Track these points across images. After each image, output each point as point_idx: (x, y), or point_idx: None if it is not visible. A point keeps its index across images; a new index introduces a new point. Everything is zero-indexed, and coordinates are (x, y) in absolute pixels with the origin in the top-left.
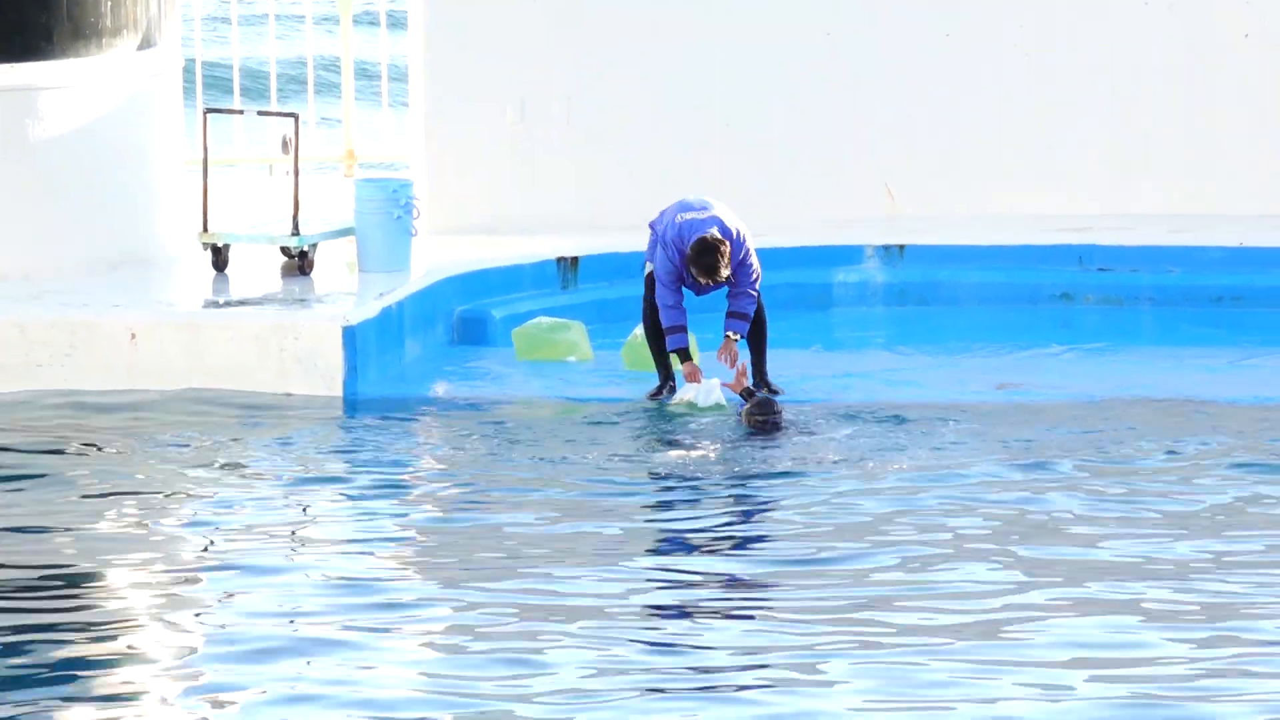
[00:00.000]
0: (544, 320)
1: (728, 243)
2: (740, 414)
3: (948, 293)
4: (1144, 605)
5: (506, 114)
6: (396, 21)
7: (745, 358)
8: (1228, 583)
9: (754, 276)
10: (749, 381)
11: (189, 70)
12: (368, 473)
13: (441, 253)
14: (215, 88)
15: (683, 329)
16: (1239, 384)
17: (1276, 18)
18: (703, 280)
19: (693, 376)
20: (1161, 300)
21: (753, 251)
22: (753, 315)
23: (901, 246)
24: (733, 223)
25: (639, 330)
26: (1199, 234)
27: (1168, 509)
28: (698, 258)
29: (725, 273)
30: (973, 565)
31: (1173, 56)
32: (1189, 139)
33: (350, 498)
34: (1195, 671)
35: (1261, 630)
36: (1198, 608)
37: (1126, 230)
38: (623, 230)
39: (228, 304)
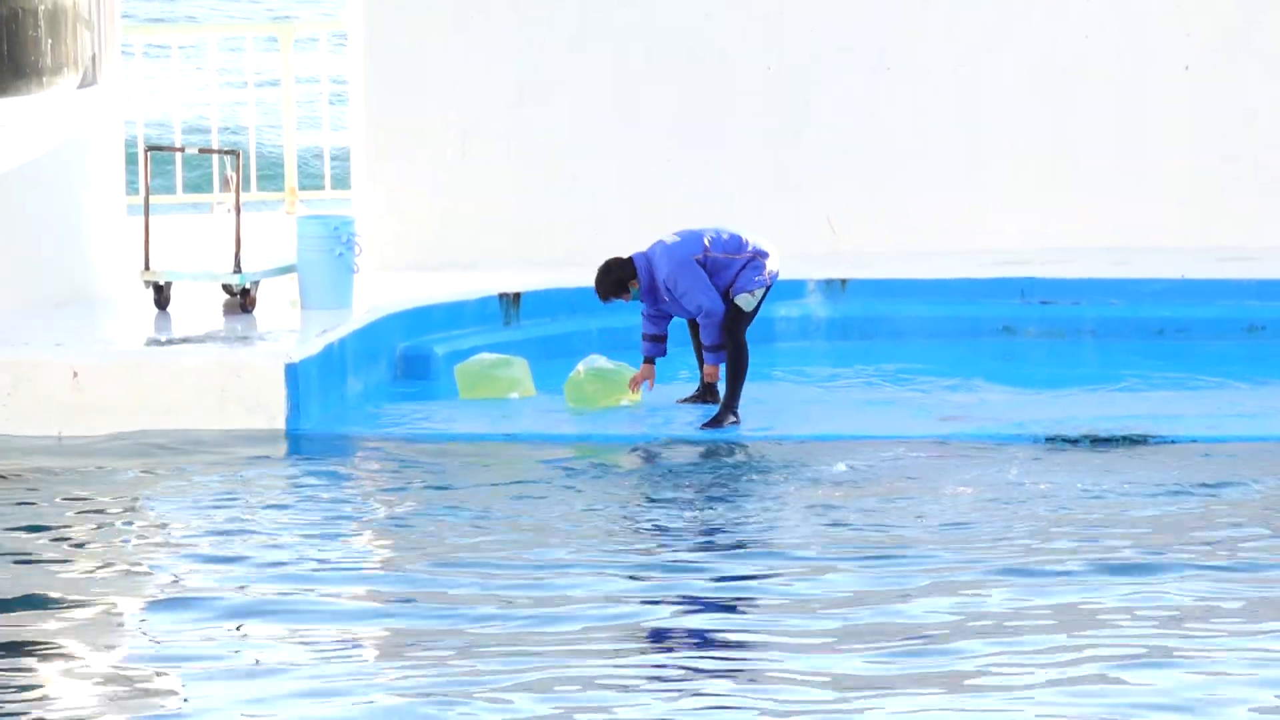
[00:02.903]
0: (486, 356)
1: (617, 266)
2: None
3: (890, 326)
4: (1106, 647)
5: (447, 150)
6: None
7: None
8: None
9: (696, 300)
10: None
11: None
12: (310, 511)
13: (383, 289)
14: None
15: (651, 339)
16: (1182, 416)
17: (1216, 51)
18: (603, 298)
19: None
20: (1104, 333)
21: (691, 284)
22: (717, 343)
23: (844, 281)
24: (672, 243)
25: (581, 367)
26: (1140, 266)
27: (1114, 541)
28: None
29: (603, 294)
30: (929, 600)
31: (1113, 89)
32: (1130, 171)
33: (292, 536)
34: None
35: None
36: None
37: (1068, 263)
38: (565, 266)
39: (170, 342)
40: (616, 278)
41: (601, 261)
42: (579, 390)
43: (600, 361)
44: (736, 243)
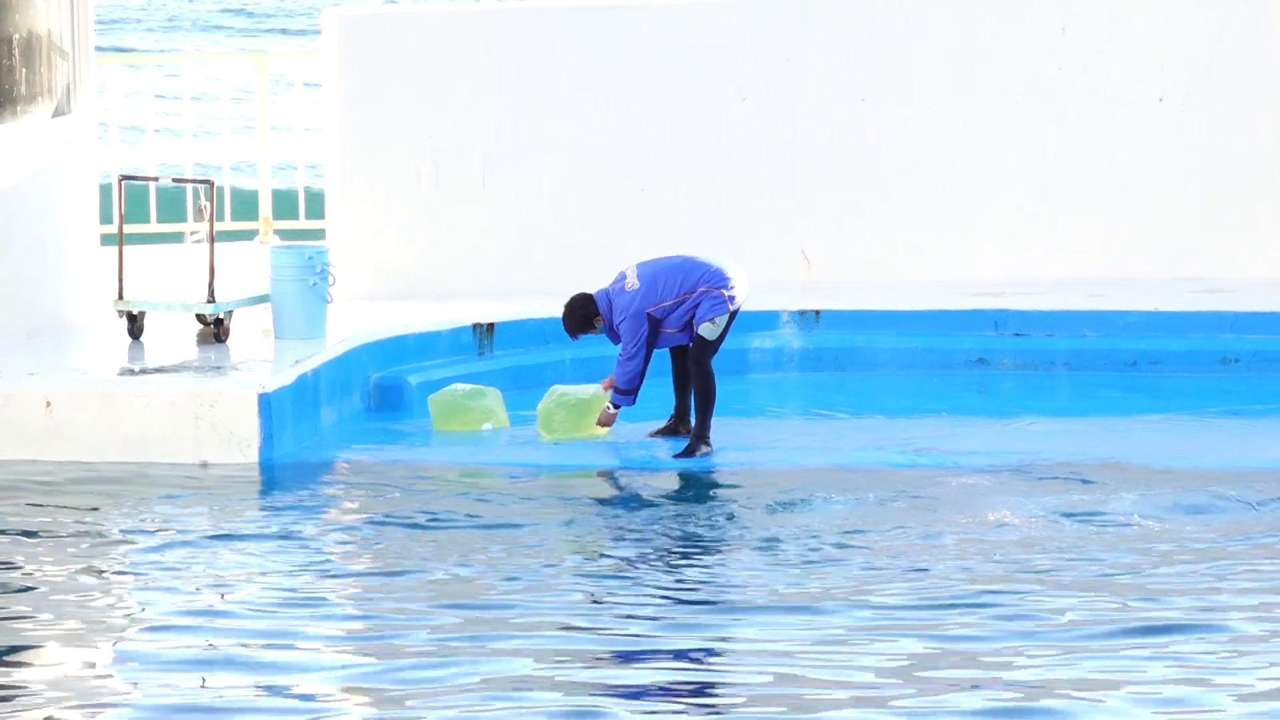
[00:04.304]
0: (460, 387)
1: (584, 301)
2: None
3: (864, 358)
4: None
5: (421, 180)
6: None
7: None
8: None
9: (625, 342)
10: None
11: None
12: (282, 541)
13: (357, 319)
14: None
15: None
16: (1154, 447)
17: (1189, 83)
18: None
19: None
20: (1077, 365)
21: (629, 334)
22: (624, 385)
23: (818, 312)
24: (634, 285)
25: (550, 399)
26: (1113, 298)
27: (1088, 572)
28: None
29: (571, 330)
30: (902, 640)
31: (1086, 120)
32: (1102, 203)
33: (265, 567)
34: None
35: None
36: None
37: (1041, 295)
38: (539, 296)
39: (143, 372)
40: (582, 314)
41: (570, 296)
42: (552, 420)
43: (567, 392)
44: (691, 281)
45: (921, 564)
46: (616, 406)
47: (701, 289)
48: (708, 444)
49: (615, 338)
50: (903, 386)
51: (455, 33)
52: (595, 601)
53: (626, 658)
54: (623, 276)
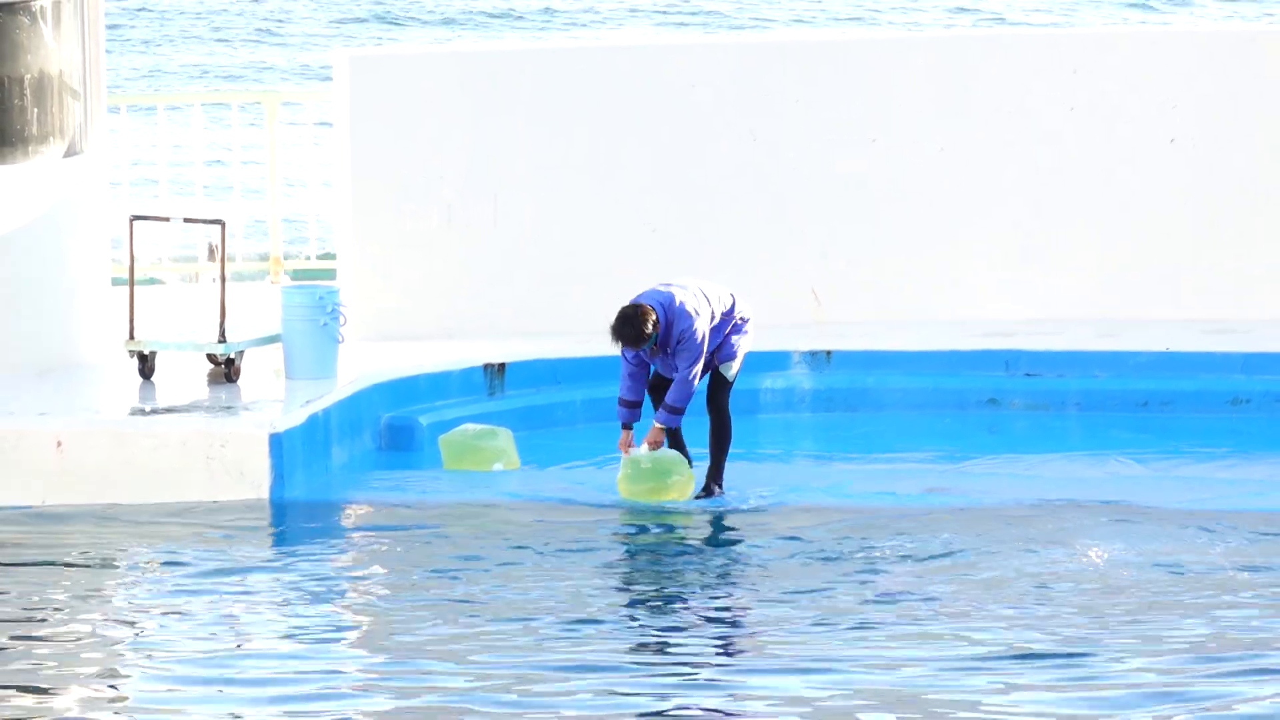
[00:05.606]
0: (471, 427)
1: (651, 312)
2: None
3: (875, 398)
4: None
5: (433, 219)
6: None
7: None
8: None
9: (691, 362)
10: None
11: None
12: (293, 582)
13: (368, 359)
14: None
15: (630, 405)
16: (1166, 488)
17: (1202, 123)
18: (628, 346)
19: (624, 445)
20: (1088, 405)
21: (696, 347)
22: (680, 403)
23: (829, 352)
24: (690, 299)
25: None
26: (1125, 338)
27: (1095, 613)
28: (614, 324)
29: (639, 339)
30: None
31: (1098, 161)
32: (1116, 243)
33: (277, 607)
34: None
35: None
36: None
37: (1052, 335)
38: (550, 336)
39: (154, 411)
40: (649, 322)
41: (609, 321)
42: (635, 486)
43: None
44: (728, 304)
45: (954, 611)
46: (665, 428)
47: (738, 318)
48: (720, 486)
49: (659, 350)
50: (914, 427)
51: (466, 73)
52: (643, 648)
53: (643, 695)
54: (658, 292)
